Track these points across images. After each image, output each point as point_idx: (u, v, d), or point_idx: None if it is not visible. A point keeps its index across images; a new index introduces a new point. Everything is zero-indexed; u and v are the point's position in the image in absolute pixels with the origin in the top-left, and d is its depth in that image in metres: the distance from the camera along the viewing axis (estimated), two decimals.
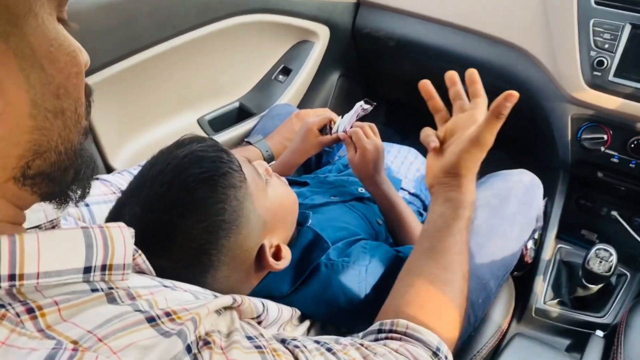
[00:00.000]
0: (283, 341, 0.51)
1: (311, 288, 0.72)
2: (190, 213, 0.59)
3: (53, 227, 0.52)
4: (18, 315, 0.35)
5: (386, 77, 1.81)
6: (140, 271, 0.52)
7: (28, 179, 0.38)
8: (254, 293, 0.69)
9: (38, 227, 0.50)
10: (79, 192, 0.44)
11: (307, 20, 1.44)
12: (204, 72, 1.27)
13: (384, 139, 1.97)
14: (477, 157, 0.69)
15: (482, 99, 0.76)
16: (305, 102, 1.55)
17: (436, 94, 0.78)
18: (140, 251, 0.51)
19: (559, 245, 1.33)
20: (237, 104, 1.40)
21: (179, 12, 1.10)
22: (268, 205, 0.69)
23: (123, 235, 0.43)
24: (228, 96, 1.39)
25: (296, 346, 0.50)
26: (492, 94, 1.46)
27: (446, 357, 0.60)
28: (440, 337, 0.60)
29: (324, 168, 1.17)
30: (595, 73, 1.19)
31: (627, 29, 1.17)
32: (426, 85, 0.76)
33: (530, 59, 1.30)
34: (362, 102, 1.01)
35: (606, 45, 1.19)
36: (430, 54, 1.47)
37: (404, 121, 1.98)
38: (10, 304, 0.35)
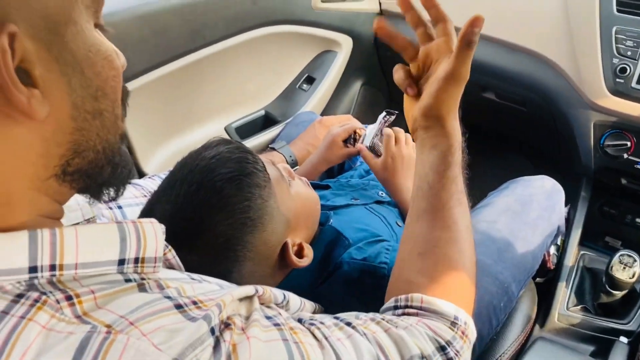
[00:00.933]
0: (300, 320, 0.52)
1: (333, 285, 0.75)
2: (217, 210, 0.63)
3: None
4: (58, 302, 0.37)
5: None
6: (170, 266, 0.54)
7: (67, 175, 0.41)
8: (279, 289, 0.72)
9: (76, 224, 0.53)
10: (112, 190, 0.46)
11: (331, 30, 1.48)
12: (231, 81, 1.31)
13: None
14: (456, 93, 0.63)
15: (448, 22, 0.67)
16: (328, 110, 1.58)
17: (414, 6, 0.69)
18: (170, 246, 0.54)
19: (582, 252, 1.33)
20: (262, 112, 1.44)
21: (209, 24, 1.15)
22: (291, 204, 0.72)
23: (155, 230, 0.46)
24: (254, 104, 1.43)
25: (312, 324, 0.51)
26: (514, 101, 1.49)
27: (465, 323, 0.58)
28: (456, 304, 0.58)
29: (346, 173, 1.19)
30: (617, 80, 1.20)
31: None
32: (381, 23, 0.69)
33: (552, 66, 1.31)
34: (384, 114, 1.03)
35: (629, 53, 1.19)
36: None
37: None
38: (51, 292, 0.38)
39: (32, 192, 0.39)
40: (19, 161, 0.37)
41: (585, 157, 1.32)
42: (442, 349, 0.55)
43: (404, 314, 0.59)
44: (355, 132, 1.05)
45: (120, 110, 0.44)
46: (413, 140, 0.69)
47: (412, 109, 0.67)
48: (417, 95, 0.66)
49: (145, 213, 0.68)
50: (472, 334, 0.60)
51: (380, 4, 1.58)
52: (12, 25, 0.33)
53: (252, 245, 0.65)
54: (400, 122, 1.75)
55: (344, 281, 0.74)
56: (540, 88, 1.36)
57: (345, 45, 1.54)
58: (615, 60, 1.20)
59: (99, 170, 0.43)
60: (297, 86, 1.50)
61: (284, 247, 0.70)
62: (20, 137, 0.36)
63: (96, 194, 0.46)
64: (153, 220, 0.47)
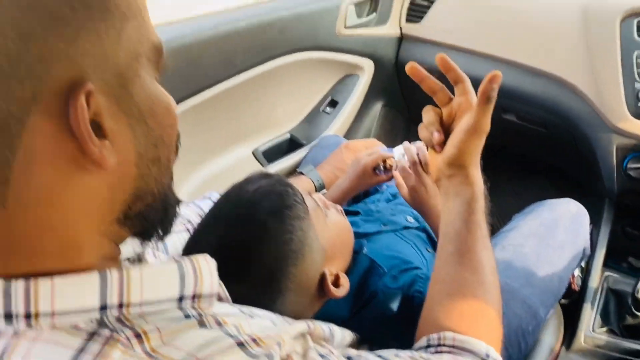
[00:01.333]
0: (349, 358, 0.54)
1: (369, 314, 0.77)
2: (261, 243, 0.65)
3: (139, 259, 0.57)
4: (128, 339, 0.39)
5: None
6: (219, 299, 0.56)
7: (128, 219, 0.43)
8: (316, 318, 0.74)
9: (128, 259, 0.55)
10: (161, 230, 0.48)
11: (354, 55, 1.51)
12: (259, 106, 1.35)
13: None
14: (478, 145, 0.67)
15: (466, 82, 0.72)
16: (351, 132, 1.61)
17: (428, 74, 0.73)
18: (220, 282, 0.55)
19: (607, 273, 1.34)
20: (287, 135, 1.47)
21: (240, 53, 1.19)
22: (327, 235, 0.75)
23: (209, 266, 0.47)
24: (280, 128, 1.46)
25: None
26: (534, 123, 1.50)
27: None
28: (486, 342, 0.61)
29: (372, 197, 1.22)
30: (639, 104, 1.22)
31: None
32: (413, 68, 0.71)
33: (573, 90, 1.33)
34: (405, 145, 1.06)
35: None
36: (474, 86, 1.51)
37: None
38: (120, 329, 0.40)
39: (97, 236, 0.41)
40: (88, 207, 0.39)
41: (608, 179, 1.33)
42: None
43: (436, 352, 0.61)
44: (385, 161, 1.07)
45: (173, 155, 0.47)
46: (438, 188, 0.72)
47: (435, 159, 0.71)
48: (441, 145, 0.70)
49: (191, 246, 0.71)
50: None
51: (401, 28, 1.61)
52: (89, 84, 0.35)
53: (294, 277, 0.67)
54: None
55: (380, 310, 0.76)
56: (561, 111, 1.38)
57: (367, 69, 1.57)
58: (637, 85, 1.22)
59: (155, 212, 0.45)
60: (321, 109, 1.53)
61: (322, 277, 0.72)
62: (90, 185, 0.39)
63: (149, 236, 0.48)
64: (207, 256, 0.49)
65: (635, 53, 1.24)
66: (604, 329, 1.21)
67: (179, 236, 0.86)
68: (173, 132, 0.45)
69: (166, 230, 0.49)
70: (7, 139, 0.34)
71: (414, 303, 0.76)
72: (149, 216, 0.45)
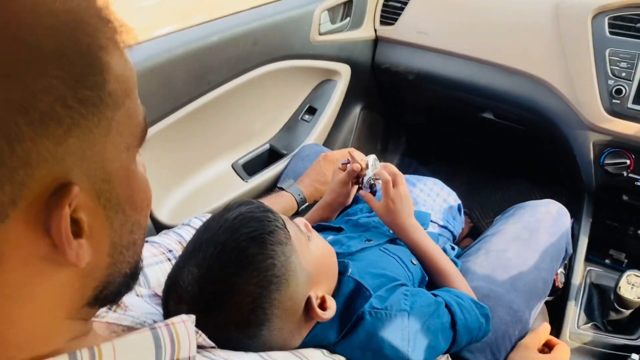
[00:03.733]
0: None
1: (357, 336, 0.77)
2: (243, 270, 0.65)
3: (117, 304, 0.57)
4: None
5: (407, 106, 1.86)
6: (201, 347, 0.55)
7: (99, 300, 0.42)
8: (304, 344, 0.74)
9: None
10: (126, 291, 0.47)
11: (329, 61, 1.50)
12: (236, 119, 1.33)
13: (407, 168, 2.01)
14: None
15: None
16: (331, 138, 1.60)
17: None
18: (200, 331, 0.54)
19: (589, 268, 1.36)
20: (267, 146, 1.46)
21: (213, 68, 1.17)
22: (311, 258, 0.74)
23: (187, 329, 0.47)
24: (258, 139, 1.44)
25: None
26: (512, 121, 1.51)
27: None
28: None
29: (354, 207, 1.21)
30: (614, 101, 1.23)
31: None
32: None
33: (549, 88, 1.34)
34: (373, 158, 1.07)
35: (623, 74, 1.22)
36: (449, 86, 1.52)
37: (426, 146, 2.03)
38: None
39: (67, 321, 0.40)
40: (58, 299, 0.38)
41: (586, 175, 1.35)
42: None
43: None
44: (361, 170, 1.06)
45: (145, 230, 0.45)
46: None
47: None
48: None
49: (173, 278, 0.70)
50: None
51: (375, 31, 1.61)
52: (75, 188, 0.33)
53: (279, 302, 0.67)
54: (397, 141, 1.75)
55: (367, 331, 0.76)
56: (538, 109, 1.39)
57: (344, 74, 1.56)
58: (611, 82, 1.23)
59: (125, 288, 0.45)
60: (300, 117, 1.52)
61: (308, 301, 0.72)
62: (62, 279, 0.37)
63: (115, 303, 0.48)
64: (184, 317, 0.48)
65: (608, 50, 1.25)
66: (589, 324, 1.23)
67: (160, 266, 0.85)
68: (148, 210, 0.44)
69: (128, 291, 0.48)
70: None
71: (401, 325, 0.76)
72: (120, 292, 0.44)
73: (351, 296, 0.79)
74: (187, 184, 1.24)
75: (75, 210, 0.34)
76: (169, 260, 0.85)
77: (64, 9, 0.31)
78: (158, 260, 0.85)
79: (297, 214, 1.21)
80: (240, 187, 1.32)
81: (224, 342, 0.59)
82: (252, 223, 0.67)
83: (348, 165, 1.07)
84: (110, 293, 0.42)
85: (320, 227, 1.07)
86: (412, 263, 0.96)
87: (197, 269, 0.66)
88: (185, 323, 0.47)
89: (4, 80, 0.28)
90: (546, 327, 0.99)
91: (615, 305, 1.15)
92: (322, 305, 0.74)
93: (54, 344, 0.39)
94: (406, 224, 0.97)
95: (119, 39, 0.35)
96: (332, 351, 0.75)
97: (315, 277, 0.74)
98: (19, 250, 0.33)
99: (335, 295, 0.79)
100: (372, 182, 1.03)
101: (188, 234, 0.92)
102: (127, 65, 0.36)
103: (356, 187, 1.10)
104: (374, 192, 1.03)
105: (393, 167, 1.00)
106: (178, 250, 0.88)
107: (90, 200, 0.35)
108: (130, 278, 0.45)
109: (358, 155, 1.09)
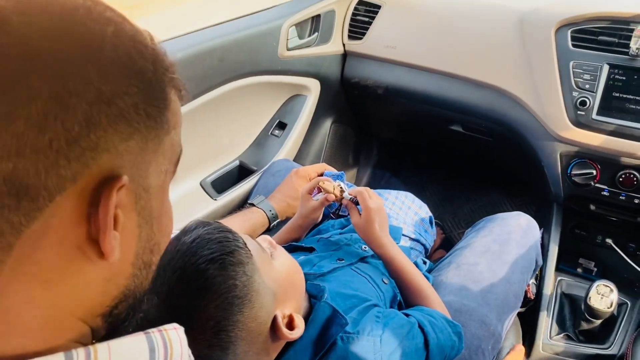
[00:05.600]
0: None
1: None
2: (204, 293, 0.63)
3: None
4: None
5: (377, 119, 1.86)
6: None
7: (111, 317, 0.43)
8: None
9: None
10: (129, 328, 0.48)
11: (298, 76, 1.49)
12: (204, 136, 1.31)
13: (380, 180, 2.01)
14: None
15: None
16: (302, 152, 1.59)
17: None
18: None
19: (559, 278, 1.37)
20: (237, 162, 1.44)
21: None
22: (275, 276, 0.72)
23: (179, 337, 0.47)
24: (228, 156, 1.42)
25: None
26: (481, 133, 1.53)
27: None
28: None
29: (326, 223, 1.20)
30: (579, 112, 1.25)
31: (605, 69, 1.23)
32: None
33: (516, 101, 1.35)
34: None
35: (587, 86, 1.24)
36: (418, 99, 1.53)
37: (397, 157, 2.03)
38: None
39: (80, 323, 0.41)
40: (81, 296, 0.39)
41: (555, 185, 1.36)
42: None
43: None
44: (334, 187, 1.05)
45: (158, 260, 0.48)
46: None
47: None
48: None
49: (134, 306, 0.68)
50: None
51: (344, 45, 1.61)
52: (125, 178, 0.36)
53: (242, 324, 0.65)
54: (368, 152, 1.71)
55: (339, 356, 0.74)
56: (506, 121, 1.40)
57: (313, 88, 1.56)
58: (575, 94, 1.25)
59: (130, 315, 0.46)
60: (270, 133, 1.51)
61: (274, 320, 0.70)
62: (88, 274, 0.38)
63: (116, 335, 0.47)
64: (176, 325, 0.48)
65: (572, 62, 1.27)
66: (561, 335, 1.24)
67: None
68: (167, 240, 0.47)
69: (129, 329, 0.48)
70: (30, 208, 0.34)
71: (373, 348, 0.75)
72: (126, 318, 0.45)
73: (326, 323, 0.78)
74: None
75: (117, 205, 0.37)
76: None
77: (151, 44, 0.40)
78: None
79: (269, 230, 1.19)
80: (209, 205, 1.30)
81: None
82: (211, 245, 0.66)
83: (319, 195, 1.06)
84: (123, 310, 0.43)
85: (292, 248, 1.05)
86: (384, 282, 0.96)
87: (157, 295, 0.63)
88: (177, 330, 0.47)
89: (103, 75, 0.35)
90: (520, 350, 0.99)
91: (586, 315, 1.16)
92: (290, 324, 0.72)
93: (62, 339, 0.39)
94: (384, 238, 0.96)
95: (178, 84, 0.43)
96: None
97: (282, 295, 0.72)
98: (61, 230, 0.35)
99: (309, 321, 0.77)
100: (354, 200, 1.00)
101: None
102: (178, 107, 0.43)
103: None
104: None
105: (362, 188, 1.00)
106: None
107: (129, 201, 0.39)
108: (138, 304, 0.46)
109: (329, 184, 1.06)
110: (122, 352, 0.41)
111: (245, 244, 0.69)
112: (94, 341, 0.43)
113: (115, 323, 0.44)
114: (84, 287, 0.39)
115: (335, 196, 1.00)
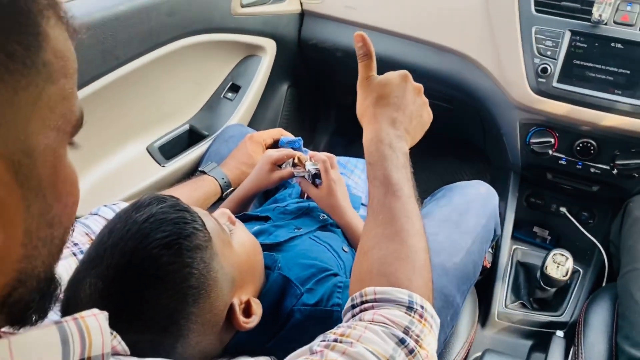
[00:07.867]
0: None
1: (287, 336, 0.71)
2: (155, 282, 0.56)
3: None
4: None
5: (335, 84, 1.80)
6: (115, 352, 0.50)
7: (6, 306, 0.36)
8: (231, 347, 0.67)
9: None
10: (37, 316, 0.41)
11: (253, 35, 1.41)
12: (151, 98, 1.22)
13: (337, 147, 1.97)
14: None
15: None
16: (257, 117, 1.52)
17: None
18: (115, 332, 0.49)
19: (515, 246, 1.38)
20: (187, 127, 1.36)
21: (122, 42, 1.05)
22: (235, 260, 0.67)
23: (99, 323, 0.42)
24: (177, 120, 1.34)
25: None
26: (443, 100, 1.50)
27: (422, 307, 0.58)
28: (409, 290, 0.58)
29: (283, 192, 1.15)
30: (539, 80, 1.23)
31: (567, 35, 1.21)
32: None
33: (477, 67, 1.32)
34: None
35: (549, 52, 1.22)
36: (379, 63, 1.46)
37: (355, 124, 1.99)
38: None
39: None
40: None
41: (513, 154, 1.35)
42: (401, 342, 0.53)
43: (361, 310, 0.59)
44: (296, 158, 1.01)
45: (68, 236, 0.41)
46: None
47: None
48: None
49: (73, 289, 0.60)
50: (433, 317, 0.59)
51: (301, 4, 1.53)
52: None
53: (196, 316, 0.59)
54: (326, 120, 1.65)
55: (297, 330, 0.70)
56: (466, 88, 1.37)
57: (269, 49, 1.48)
58: (537, 60, 1.23)
59: (38, 299, 0.39)
60: (222, 95, 1.42)
61: (231, 308, 0.65)
62: None
63: (24, 323, 0.40)
64: (96, 311, 0.43)
65: (534, 28, 1.24)
66: (516, 303, 1.25)
67: (63, 262, 0.74)
68: (73, 211, 0.40)
69: (43, 316, 0.42)
70: None
71: (333, 318, 0.71)
72: (30, 304, 0.38)
73: (280, 294, 0.73)
74: (96, 170, 1.13)
75: None
76: (74, 255, 0.74)
77: None
78: (63, 256, 0.75)
79: (222, 199, 1.13)
80: (156, 172, 1.21)
81: (138, 351, 0.52)
82: (165, 226, 0.58)
83: (288, 165, 1.01)
84: (20, 299, 0.37)
85: (246, 217, 0.99)
86: (344, 250, 0.92)
87: (101, 280, 0.56)
88: (96, 316, 0.42)
89: None
90: None
91: (542, 283, 1.17)
92: (247, 310, 0.67)
93: None
94: (344, 205, 0.93)
95: (63, 15, 0.35)
96: (257, 354, 0.68)
97: (240, 280, 0.67)
98: None
99: (262, 294, 0.72)
100: (315, 171, 0.96)
101: (96, 224, 0.81)
102: (68, 46, 0.36)
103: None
104: (315, 184, 0.97)
105: (323, 154, 0.95)
106: (85, 244, 0.77)
107: (5, 171, 0.32)
108: (45, 286, 0.39)
109: (287, 134, 1.02)
110: (27, 349, 0.36)
111: (204, 225, 0.62)
112: None
113: (18, 312, 0.38)
114: None
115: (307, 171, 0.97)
